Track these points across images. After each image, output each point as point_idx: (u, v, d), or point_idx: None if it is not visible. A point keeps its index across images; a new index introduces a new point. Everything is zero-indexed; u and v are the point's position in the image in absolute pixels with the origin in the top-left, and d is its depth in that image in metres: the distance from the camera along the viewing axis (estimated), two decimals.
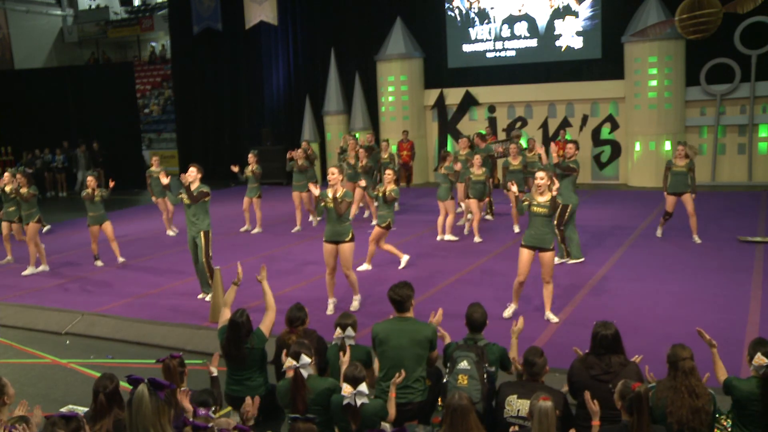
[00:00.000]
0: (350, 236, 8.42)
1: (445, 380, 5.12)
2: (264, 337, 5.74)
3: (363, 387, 4.70)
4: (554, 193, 7.81)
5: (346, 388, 4.66)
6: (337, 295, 8.87)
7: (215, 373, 5.39)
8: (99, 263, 11.82)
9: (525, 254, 7.83)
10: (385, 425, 4.83)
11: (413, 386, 5.26)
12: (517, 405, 4.69)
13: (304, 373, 4.87)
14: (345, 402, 4.66)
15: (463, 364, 4.92)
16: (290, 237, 13.25)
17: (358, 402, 4.66)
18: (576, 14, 18.27)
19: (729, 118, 17.03)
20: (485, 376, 4.92)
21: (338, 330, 5.46)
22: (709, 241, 11.17)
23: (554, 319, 7.86)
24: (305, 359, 4.88)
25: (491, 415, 4.90)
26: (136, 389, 3.63)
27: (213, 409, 4.46)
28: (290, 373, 4.91)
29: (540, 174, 7.83)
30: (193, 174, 9.14)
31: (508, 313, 7.99)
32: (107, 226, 11.56)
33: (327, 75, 20.77)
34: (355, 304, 8.69)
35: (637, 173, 17.59)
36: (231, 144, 22.95)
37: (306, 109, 20.87)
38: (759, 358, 4.46)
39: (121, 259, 11.74)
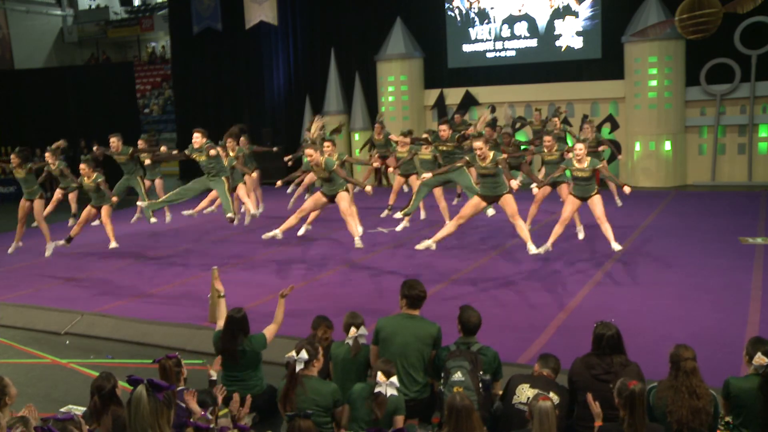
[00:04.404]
0: (345, 188, 9.63)
1: (440, 389, 5.11)
2: (264, 343, 5.84)
3: (394, 380, 4.76)
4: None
5: (381, 376, 4.73)
6: (335, 290, 9.07)
7: (214, 377, 5.40)
8: (113, 244, 11.23)
9: (475, 200, 8.69)
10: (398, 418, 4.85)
11: (416, 383, 5.27)
12: (527, 393, 4.70)
13: (299, 366, 4.92)
14: (377, 389, 4.71)
15: (457, 376, 4.86)
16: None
17: (388, 393, 4.71)
18: (576, 14, 18.26)
19: (729, 118, 17.02)
20: (480, 385, 4.89)
21: (353, 329, 5.50)
22: (709, 241, 11.17)
23: (535, 250, 8.70)
24: (304, 355, 4.94)
25: (490, 422, 4.89)
26: (135, 390, 3.63)
27: (211, 409, 4.46)
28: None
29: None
30: (198, 139, 10.88)
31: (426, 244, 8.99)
32: (104, 208, 11.25)
33: (327, 75, 20.75)
34: (357, 243, 9.53)
35: (637, 173, 17.58)
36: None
37: (306, 109, 20.84)
38: (760, 358, 4.45)
39: (113, 244, 11.25)
